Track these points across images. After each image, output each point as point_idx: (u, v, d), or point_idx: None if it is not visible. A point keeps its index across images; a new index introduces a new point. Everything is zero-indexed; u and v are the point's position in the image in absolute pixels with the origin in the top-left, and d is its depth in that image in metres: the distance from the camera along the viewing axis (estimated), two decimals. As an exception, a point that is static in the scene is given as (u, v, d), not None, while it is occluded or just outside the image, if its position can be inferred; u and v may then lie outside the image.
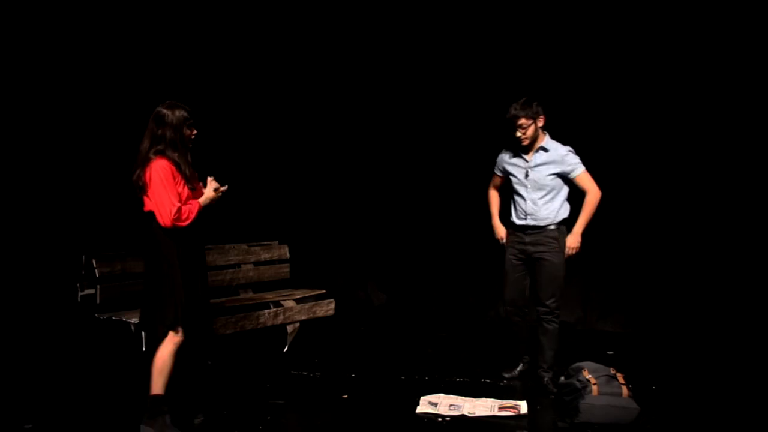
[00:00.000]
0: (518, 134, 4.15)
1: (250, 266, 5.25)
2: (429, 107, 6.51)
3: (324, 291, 5.36)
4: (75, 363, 4.64)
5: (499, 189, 4.51)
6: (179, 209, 3.36)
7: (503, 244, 4.44)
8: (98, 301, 4.31)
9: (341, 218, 6.83)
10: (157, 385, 3.41)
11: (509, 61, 6.13)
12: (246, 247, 5.26)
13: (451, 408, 3.87)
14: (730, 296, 5.56)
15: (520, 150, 4.26)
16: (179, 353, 3.45)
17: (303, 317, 5.02)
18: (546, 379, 4.29)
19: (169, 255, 3.41)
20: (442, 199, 6.54)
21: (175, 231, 3.38)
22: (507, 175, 4.35)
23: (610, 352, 5.19)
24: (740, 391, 4.28)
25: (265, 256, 5.36)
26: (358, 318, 6.34)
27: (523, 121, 4.11)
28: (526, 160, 4.24)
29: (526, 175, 4.23)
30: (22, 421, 3.63)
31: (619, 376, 3.77)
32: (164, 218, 3.36)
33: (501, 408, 3.87)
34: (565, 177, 4.21)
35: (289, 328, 4.94)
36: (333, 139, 6.74)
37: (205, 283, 3.63)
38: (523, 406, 3.88)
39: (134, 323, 4.08)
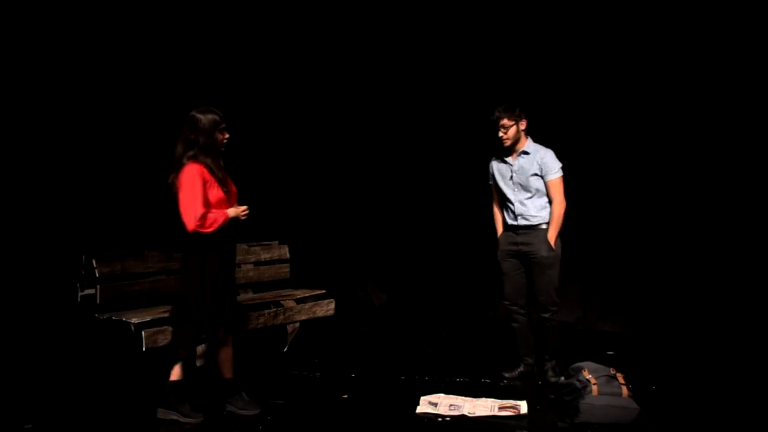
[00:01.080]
0: (500, 134, 4.31)
1: (250, 266, 5.26)
2: (429, 108, 6.51)
3: (324, 291, 5.36)
4: (75, 363, 4.64)
5: (501, 204, 4.55)
6: (204, 215, 3.42)
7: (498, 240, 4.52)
8: (98, 301, 4.31)
9: (341, 218, 6.83)
10: (176, 372, 3.59)
11: (508, 61, 6.13)
12: (246, 247, 5.26)
13: (451, 408, 3.87)
14: (730, 296, 5.55)
15: (503, 153, 4.40)
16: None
17: (303, 317, 5.02)
18: (548, 366, 4.39)
19: (199, 258, 3.51)
20: (441, 200, 6.54)
21: (203, 235, 3.44)
22: (496, 182, 4.48)
23: (610, 352, 5.18)
24: (740, 391, 4.28)
25: (265, 256, 5.36)
26: (358, 318, 6.34)
27: (505, 121, 4.27)
28: (510, 164, 4.37)
29: (511, 177, 4.36)
30: (22, 421, 3.63)
31: (619, 376, 3.77)
32: (188, 223, 3.42)
33: (501, 408, 3.87)
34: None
35: (289, 328, 4.94)
36: (333, 139, 6.75)
37: (233, 283, 3.77)
38: (523, 406, 3.88)
39: (134, 323, 4.08)
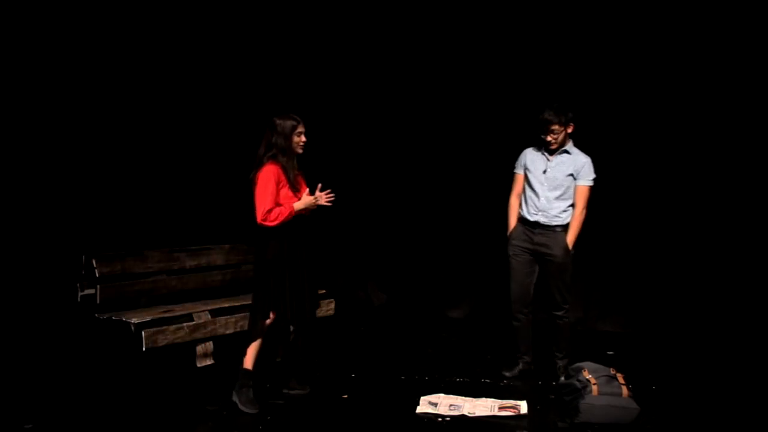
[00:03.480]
0: (549, 138, 4.23)
1: (251, 266, 5.24)
2: (428, 108, 6.50)
3: (324, 291, 5.35)
4: (75, 363, 4.64)
5: (520, 196, 4.48)
6: (270, 210, 3.81)
7: (508, 235, 4.47)
8: (98, 301, 4.31)
9: (341, 218, 6.82)
10: (249, 360, 3.92)
11: (507, 62, 6.13)
12: (246, 247, 5.25)
13: (451, 408, 3.88)
14: (730, 296, 5.55)
15: (545, 150, 4.33)
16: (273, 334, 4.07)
17: (303, 317, 5.01)
18: (559, 365, 4.41)
19: (270, 248, 3.91)
20: (442, 199, 6.53)
21: (270, 228, 3.84)
22: (526, 171, 4.39)
23: (610, 352, 5.19)
24: (740, 391, 4.28)
25: (265, 256, 5.35)
26: (358, 318, 6.34)
27: (555, 126, 4.19)
28: (548, 159, 4.31)
29: (544, 171, 4.30)
30: (22, 421, 3.62)
31: (619, 376, 3.77)
32: (257, 216, 3.84)
33: (501, 408, 3.87)
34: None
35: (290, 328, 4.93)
36: (332, 139, 6.73)
37: (308, 273, 4.07)
38: (523, 406, 3.88)
39: (134, 323, 4.08)
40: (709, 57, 5.57)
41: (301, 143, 3.95)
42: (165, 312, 4.30)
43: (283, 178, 3.87)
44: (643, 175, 5.87)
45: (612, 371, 3.79)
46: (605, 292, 6.06)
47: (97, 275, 4.30)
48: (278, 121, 3.92)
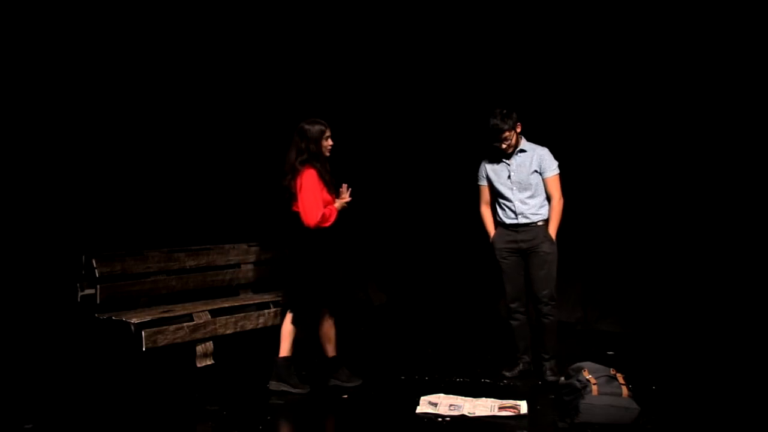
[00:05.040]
0: (503, 146, 4.31)
1: (250, 266, 5.26)
2: (428, 108, 6.51)
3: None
4: (75, 363, 4.64)
5: (490, 204, 4.55)
6: (324, 214, 4.03)
7: (491, 242, 4.52)
8: (98, 301, 4.32)
9: (340, 218, 6.82)
10: (285, 348, 4.16)
11: (506, 62, 6.13)
12: (246, 247, 5.26)
13: (451, 408, 3.87)
14: (730, 296, 5.55)
15: (498, 153, 4.39)
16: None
17: (303, 317, 5.01)
18: (546, 366, 4.41)
19: (314, 248, 4.10)
20: (441, 200, 6.54)
21: (317, 230, 4.05)
22: (491, 182, 4.47)
23: (610, 352, 5.18)
24: (740, 391, 4.28)
25: (265, 256, 5.36)
26: (358, 318, 6.34)
27: (506, 134, 4.27)
28: (508, 163, 4.38)
29: (509, 177, 4.36)
30: (22, 421, 3.62)
31: (619, 376, 3.77)
32: (310, 220, 4.02)
33: (501, 408, 3.87)
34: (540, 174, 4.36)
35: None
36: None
37: (349, 267, 4.39)
38: (523, 406, 3.88)
39: (134, 323, 4.08)
40: (708, 57, 5.57)
41: (329, 147, 4.14)
42: (165, 312, 4.31)
43: (320, 180, 4.06)
44: (643, 175, 5.87)
45: (612, 371, 3.78)
46: (605, 292, 6.06)
47: (97, 275, 4.31)
48: (306, 127, 4.10)
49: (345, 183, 4.21)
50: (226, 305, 4.62)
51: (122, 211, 5.44)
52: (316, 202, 4.01)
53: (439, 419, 3.74)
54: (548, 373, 4.39)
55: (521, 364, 4.54)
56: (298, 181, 4.04)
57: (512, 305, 4.49)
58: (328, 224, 4.08)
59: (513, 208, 4.37)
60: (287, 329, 4.18)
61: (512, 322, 4.53)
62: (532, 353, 4.56)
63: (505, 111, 4.28)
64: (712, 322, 5.55)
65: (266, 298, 5.02)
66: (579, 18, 5.86)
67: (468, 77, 6.32)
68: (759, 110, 5.46)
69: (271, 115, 6.40)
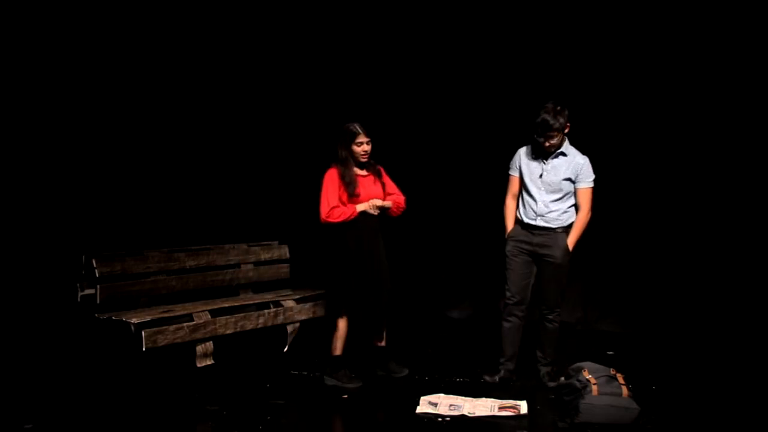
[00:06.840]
0: (546, 144, 4.09)
1: (250, 266, 5.26)
2: (428, 108, 6.50)
3: (324, 291, 5.35)
4: (75, 363, 4.64)
5: (516, 198, 4.37)
6: (332, 209, 4.19)
7: (507, 236, 4.35)
8: (98, 301, 4.31)
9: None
10: (337, 347, 4.40)
11: (505, 62, 6.13)
12: (246, 247, 5.26)
13: (451, 408, 3.88)
14: (729, 296, 5.55)
15: (540, 151, 4.21)
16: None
17: (303, 317, 5.01)
18: (543, 372, 4.35)
19: (337, 245, 4.32)
20: (442, 198, 6.53)
21: (331, 225, 4.24)
22: (522, 175, 4.29)
23: (610, 352, 5.19)
24: (740, 391, 4.28)
25: (265, 256, 5.36)
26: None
27: (554, 132, 4.04)
28: (544, 162, 4.20)
29: (541, 176, 4.20)
30: (22, 421, 3.63)
31: (619, 376, 3.77)
32: (320, 215, 4.23)
33: (501, 408, 3.87)
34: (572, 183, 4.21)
35: (289, 328, 4.93)
36: (332, 139, 6.72)
37: (380, 267, 4.40)
38: (523, 406, 3.88)
39: (134, 323, 4.08)
40: (708, 57, 5.58)
41: (362, 152, 4.28)
42: (165, 312, 4.30)
43: (339, 180, 4.22)
44: (643, 175, 5.87)
45: (612, 371, 3.79)
46: (605, 292, 6.06)
47: (97, 275, 4.30)
48: (342, 130, 4.28)
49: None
50: (226, 305, 4.62)
51: (122, 211, 5.44)
52: (326, 197, 4.21)
53: (439, 419, 3.74)
54: (546, 378, 4.34)
55: (503, 371, 4.38)
56: (323, 179, 4.27)
57: (511, 305, 4.33)
58: (338, 221, 4.20)
59: (535, 208, 4.20)
60: (341, 327, 4.40)
61: (505, 323, 4.37)
62: (516, 363, 4.40)
63: (558, 108, 4.04)
64: (712, 322, 5.56)
65: (266, 298, 5.02)
66: (579, 18, 5.85)
67: (467, 78, 6.31)
68: (759, 110, 5.46)
69: (270, 115, 6.40)
